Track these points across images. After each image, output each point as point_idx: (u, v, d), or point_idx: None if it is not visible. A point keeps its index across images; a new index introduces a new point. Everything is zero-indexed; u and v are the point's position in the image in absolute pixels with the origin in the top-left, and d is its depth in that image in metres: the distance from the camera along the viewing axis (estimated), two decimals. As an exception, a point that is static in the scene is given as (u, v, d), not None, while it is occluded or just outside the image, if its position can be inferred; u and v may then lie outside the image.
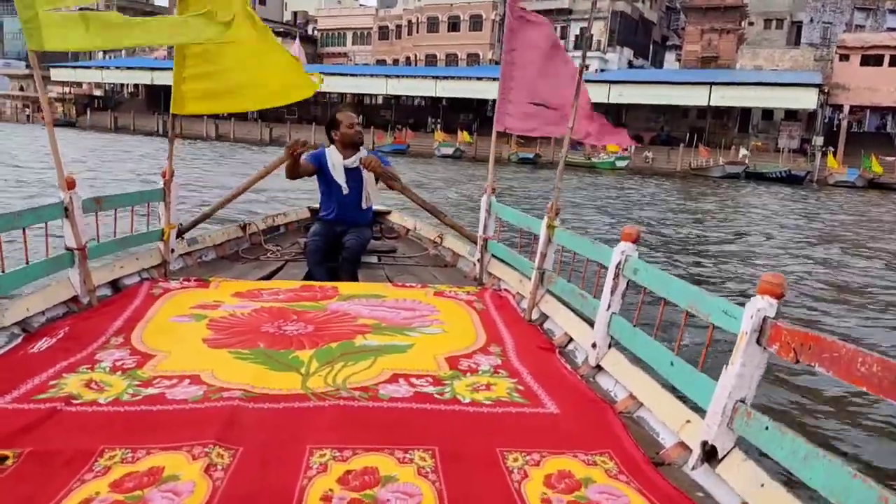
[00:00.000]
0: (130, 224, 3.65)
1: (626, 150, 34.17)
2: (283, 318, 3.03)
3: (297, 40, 52.20)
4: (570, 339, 2.90)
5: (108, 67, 54.70)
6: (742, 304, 1.82)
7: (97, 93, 59.29)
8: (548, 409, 2.17)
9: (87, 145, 29.87)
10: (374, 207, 4.60)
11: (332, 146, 4.15)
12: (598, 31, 44.42)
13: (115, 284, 3.49)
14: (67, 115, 54.96)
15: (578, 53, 3.70)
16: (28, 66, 64.24)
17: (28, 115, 58.83)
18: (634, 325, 2.39)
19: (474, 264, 4.19)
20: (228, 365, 2.42)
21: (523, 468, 1.78)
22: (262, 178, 4.61)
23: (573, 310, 2.98)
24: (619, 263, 2.46)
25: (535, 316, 3.26)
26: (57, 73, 55.28)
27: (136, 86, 56.61)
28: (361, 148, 4.16)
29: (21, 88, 62.21)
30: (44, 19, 2.77)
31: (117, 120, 51.16)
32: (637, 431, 2.09)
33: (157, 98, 48.85)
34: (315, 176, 4.15)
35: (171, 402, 2.09)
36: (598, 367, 2.55)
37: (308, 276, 4.04)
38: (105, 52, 61.63)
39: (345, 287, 3.66)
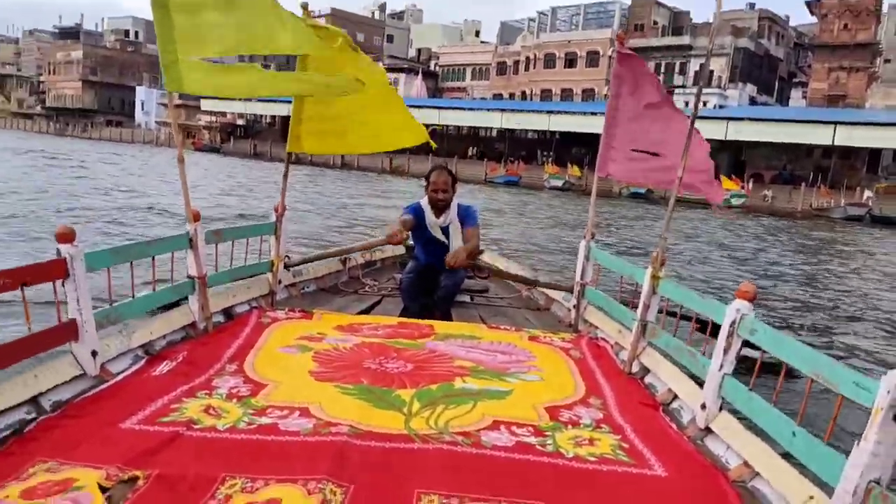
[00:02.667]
0: (245, 255, 3.85)
1: (744, 187, 33.40)
2: (384, 354, 3.09)
3: (420, 75, 55.52)
4: (675, 397, 2.76)
5: (250, 99, 59.76)
6: (867, 371, 1.91)
7: (239, 122, 64.58)
8: (655, 471, 2.08)
9: (227, 168, 33.23)
10: None
11: (425, 200, 4.23)
12: (720, 67, 43.72)
13: (227, 312, 3.64)
14: (213, 141, 60.60)
15: (695, 89, 3.71)
16: (181, 97, 71.81)
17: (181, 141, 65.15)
18: (750, 389, 2.25)
19: (569, 310, 4.12)
20: (335, 399, 2.48)
21: None
22: (369, 248, 5.04)
23: (678, 365, 2.85)
24: (734, 322, 2.32)
25: (635, 369, 3.14)
26: (206, 104, 61.49)
27: (273, 116, 61.29)
28: (452, 204, 4.23)
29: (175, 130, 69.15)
30: (183, 64, 2.96)
31: (256, 147, 55.74)
32: (752, 503, 1.99)
33: (291, 128, 53.19)
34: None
35: (283, 432, 2.15)
36: (708, 430, 2.41)
37: (403, 311, 4.13)
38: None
39: (440, 326, 3.71)
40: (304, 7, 3.36)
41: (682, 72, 45.33)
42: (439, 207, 4.19)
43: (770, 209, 32.73)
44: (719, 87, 43.08)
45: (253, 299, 3.87)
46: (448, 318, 4.08)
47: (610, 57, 47.07)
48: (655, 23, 49.09)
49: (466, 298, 4.70)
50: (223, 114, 64.96)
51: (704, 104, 41.30)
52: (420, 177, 4.19)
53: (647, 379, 3.05)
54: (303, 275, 4.52)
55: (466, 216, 4.27)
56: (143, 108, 73.31)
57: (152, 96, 71.80)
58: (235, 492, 1.73)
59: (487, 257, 5.71)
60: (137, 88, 76.22)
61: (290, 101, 3.90)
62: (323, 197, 20.71)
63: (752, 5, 50.66)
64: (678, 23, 49.90)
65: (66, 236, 2.46)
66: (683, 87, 42.77)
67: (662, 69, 44.90)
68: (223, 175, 27.78)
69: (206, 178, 24.62)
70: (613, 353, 3.41)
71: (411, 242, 4.63)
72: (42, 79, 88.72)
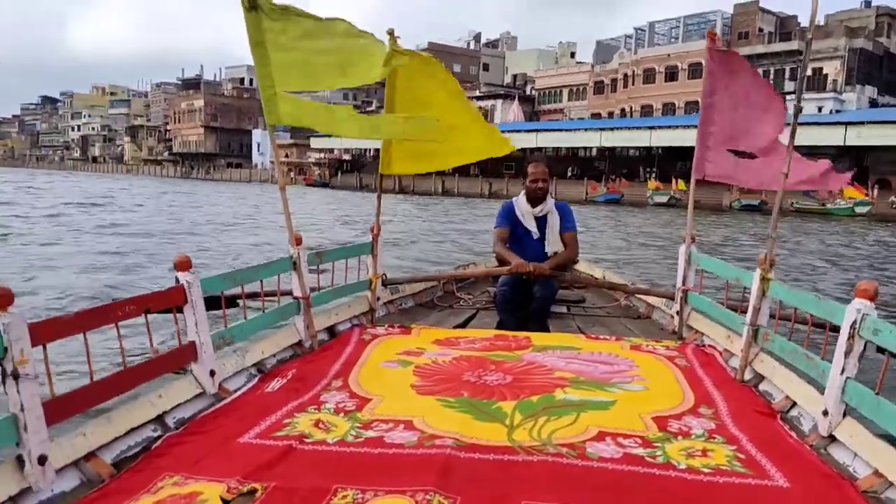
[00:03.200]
0: (345, 275, 3.97)
1: (868, 194, 31.38)
2: (482, 367, 3.10)
3: (516, 101, 56.13)
4: (793, 404, 2.62)
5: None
6: None
7: (346, 157, 67.79)
8: (776, 482, 1.96)
9: (336, 201, 35.09)
10: None
11: (521, 195, 4.34)
12: (834, 70, 41.49)
13: (330, 330, 3.74)
14: (322, 176, 64.03)
15: (806, 95, 3.79)
16: (292, 137, 76.40)
17: (292, 178, 67.96)
18: (877, 393, 2.10)
19: (672, 317, 4.02)
20: (437, 412, 2.50)
21: None
22: (475, 274, 5.12)
23: (794, 370, 2.71)
24: (855, 322, 2.20)
25: (748, 376, 2.99)
26: (315, 142, 65.31)
27: (376, 150, 64.24)
28: (549, 197, 4.30)
29: (286, 156, 73.48)
30: (281, 99, 3.14)
31: (362, 180, 58.24)
32: None
33: (394, 159, 55.37)
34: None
35: (389, 445, 2.18)
36: (832, 438, 2.26)
37: (499, 325, 4.10)
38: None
39: (537, 338, 3.66)
40: (391, 33, 3.49)
41: (794, 77, 43.32)
42: (537, 198, 4.23)
43: (900, 216, 30.52)
44: (834, 90, 40.82)
45: (354, 317, 3.99)
46: (545, 329, 4.03)
47: (712, 68, 45.69)
48: (761, 30, 47.26)
49: (563, 309, 4.65)
50: (331, 150, 68.25)
51: (819, 109, 39.24)
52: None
53: (762, 386, 2.89)
54: (399, 291, 4.66)
55: (565, 214, 4.31)
56: (258, 150, 78.58)
57: (267, 138, 76.55)
58: (348, 503, 1.78)
59: (584, 266, 5.68)
60: (253, 132, 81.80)
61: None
62: (438, 223, 21.59)
63: (867, 3, 47.78)
64: (785, 28, 47.80)
65: (184, 265, 2.59)
66: (794, 93, 40.88)
67: (772, 76, 43.11)
68: (331, 207, 29.56)
69: (316, 211, 26.37)
70: (723, 360, 3.27)
71: None
72: (168, 127, 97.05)
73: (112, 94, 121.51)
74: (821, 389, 2.38)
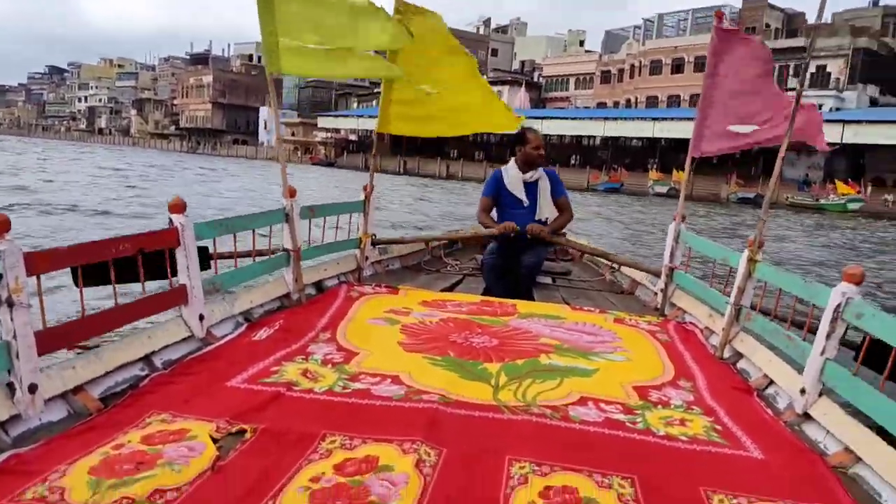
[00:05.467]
0: (335, 232, 3.99)
1: (860, 191, 32.07)
2: (469, 329, 3.13)
3: (523, 87, 56.51)
4: (770, 383, 2.67)
5: (362, 116, 62.76)
6: None
7: (352, 137, 67.76)
8: (750, 452, 2.02)
9: (340, 180, 35.75)
10: None
11: (511, 162, 4.33)
12: (837, 68, 41.96)
13: (318, 285, 3.78)
14: (328, 156, 64.44)
15: (808, 92, 3.87)
16: (298, 116, 76.58)
17: (299, 157, 67.86)
18: (854, 374, 2.17)
19: (656, 294, 4.07)
20: (424, 369, 2.52)
21: None
22: (464, 238, 5.18)
23: (774, 350, 2.76)
24: (839, 306, 2.24)
25: (727, 354, 3.05)
26: (322, 121, 65.77)
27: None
28: (540, 167, 4.30)
29: (293, 134, 73.40)
30: (283, 47, 3.17)
31: (367, 161, 58.76)
32: (854, 490, 1.88)
33: (399, 144, 55.92)
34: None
35: (377, 397, 2.21)
36: (806, 416, 2.33)
37: (485, 292, 4.15)
38: (359, 102, 71.31)
39: (523, 305, 3.71)
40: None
41: (797, 74, 43.80)
42: (533, 164, 4.25)
43: (891, 213, 31.23)
44: (836, 89, 41.35)
45: (342, 274, 4.06)
46: (530, 297, 4.10)
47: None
48: (768, 25, 47.70)
49: (548, 280, 4.72)
50: (337, 130, 68.49)
51: (820, 107, 39.73)
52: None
53: (740, 364, 2.96)
54: (388, 253, 4.70)
55: (555, 180, 4.35)
56: (265, 128, 78.90)
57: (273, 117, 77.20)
58: (335, 447, 1.81)
59: (571, 237, 5.83)
60: (261, 109, 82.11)
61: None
62: (436, 206, 22.20)
63: (875, 2, 48.13)
64: (792, 25, 48.23)
65: (178, 207, 2.60)
66: (795, 89, 41.36)
67: (776, 73, 43.61)
68: (334, 184, 30.30)
69: (321, 187, 27.09)
70: (703, 337, 3.34)
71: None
72: (176, 101, 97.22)
73: (120, 66, 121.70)
74: (799, 369, 2.44)
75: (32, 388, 1.86)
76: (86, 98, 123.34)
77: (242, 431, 1.88)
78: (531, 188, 4.27)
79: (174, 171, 33.20)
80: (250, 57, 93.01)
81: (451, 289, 4.31)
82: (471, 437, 1.96)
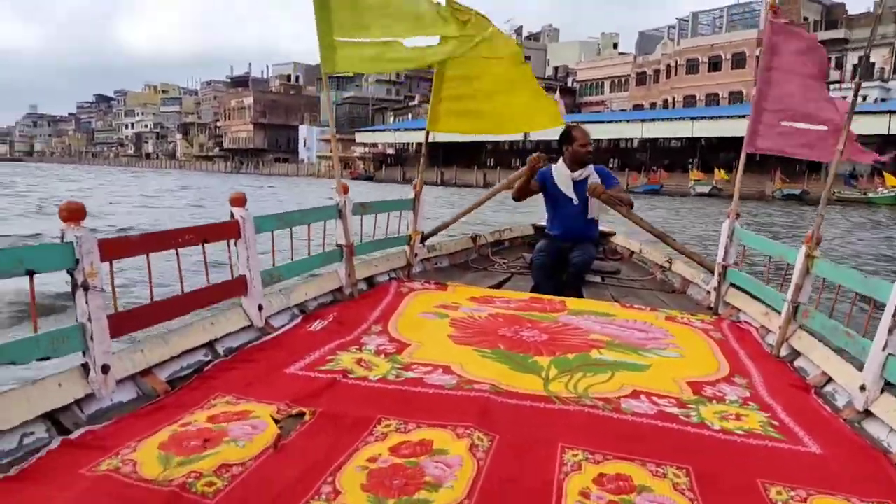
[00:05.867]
0: (386, 228, 4.10)
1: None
2: (518, 324, 3.15)
3: (558, 92, 56.26)
4: (828, 380, 2.61)
5: (399, 129, 63.59)
6: None
7: (389, 151, 68.47)
8: (809, 448, 1.98)
9: (379, 193, 36.28)
10: (599, 228, 4.59)
11: (560, 161, 4.25)
12: (882, 58, 40.92)
13: (369, 280, 3.87)
14: (367, 170, 65.17)
15: (851, 85, 3.77)
16: (337, 132, 77.45)
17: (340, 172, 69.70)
18: None
19: (709, 292, 4.00)
20: (474, 361, 2.55)
21: (788, 503, 1.65)
22: (496, 194, 5.01)
23: (832, 348, 2.71)
24: None
25: (784, 352, 2.99)
26: (361, 137, 66.83)
27: (419, 144, 64.84)
28: (589, 165, 4.22)
29: (331, 151, 74.77)
30: (338, 46, 3.26)
31: (405, 173, 59.10)
32: None
33: (436, 155, 56.39)
34: (541, 194, 4.32)
35: (429, 385, 2.26)
36: (867, 413, 2.26)
37: (534, 290, 4.12)
38: (395, 116, 72.27)
39: (572, 302, 3.72)
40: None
41: (839, 66, 42.86)
42: (582, 162, 4.18)
43: (946, 205, 30.28)
44: (881, 79, 40.33)
45: (392, 270, 4.17)
46: (579, 296, 4.08)
47: (757, 57, 45.44)
48: (806, 18, 46.80)
49: (597, 279, 4.71)
50: (374, 145, 69.38)
51: (864, 98, 38.86)
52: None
53: (798, 362, 2.90)
54: (436, 250, 4.84)
55: (606, 175, 4.27)
56: (305, 145, 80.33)
57: (313, 134, 78.46)
58: (391, 431, 1.86)
59: (620, 239, 5.82)
60: (300, 127, 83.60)
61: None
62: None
63: (919, -12, 46.79)
64: (832, 16, 47.23)
65: (239, 201, 2.69)
66: (839, 83, 40.49)
67: (816, 65, 42.70)
68: (376, 196, 29.88)
69: (364, 198, 26.94)
70: (758, 336, 3.28)
71: (543, 223, 4.70)
72: (218, 124, 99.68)
73: (164, 92, 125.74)
74: (859, 366, 2.38)
75: (105, 369, 1.95)
76: (132, 124, 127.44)
77: (301, 414, 1.96)
78: (580, 187, 4.20)
79: (223, 189, 34.25)
80: (288, 77, 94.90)
81: (498, 286, 4.36)
82: (523, 426, 1.98)
